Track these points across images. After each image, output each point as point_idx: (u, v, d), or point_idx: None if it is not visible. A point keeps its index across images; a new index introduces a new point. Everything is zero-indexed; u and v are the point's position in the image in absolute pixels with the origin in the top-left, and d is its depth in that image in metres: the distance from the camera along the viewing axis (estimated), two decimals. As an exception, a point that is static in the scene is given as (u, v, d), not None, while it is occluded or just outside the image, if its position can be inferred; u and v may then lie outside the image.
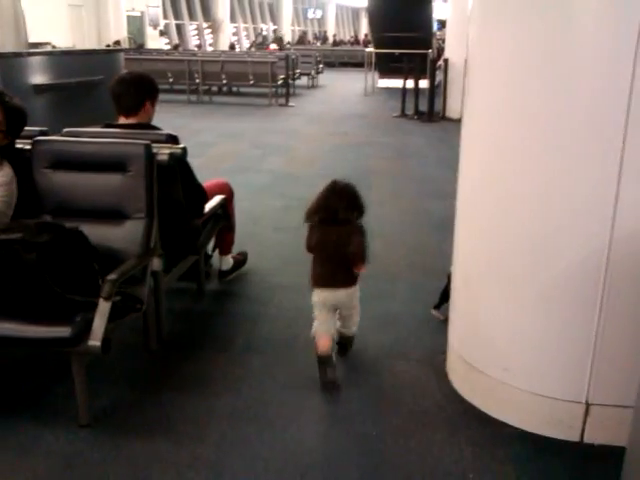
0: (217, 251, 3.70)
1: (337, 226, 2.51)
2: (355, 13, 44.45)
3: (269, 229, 4.74)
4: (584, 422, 2.22)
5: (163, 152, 2.63)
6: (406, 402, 2.47)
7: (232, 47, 23.03)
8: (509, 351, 2.33)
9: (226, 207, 3.49)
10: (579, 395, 2.20)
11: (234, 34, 28.58)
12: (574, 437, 2.24)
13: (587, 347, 2.15)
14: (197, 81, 13.25)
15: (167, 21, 24.54)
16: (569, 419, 2.24)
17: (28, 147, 2.67)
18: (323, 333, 2.56)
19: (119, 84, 2.98)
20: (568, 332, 2.20)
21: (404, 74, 11.44)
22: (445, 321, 2.87)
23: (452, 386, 2.57)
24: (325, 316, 2.58)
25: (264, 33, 30.10)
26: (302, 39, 31.51)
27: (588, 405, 2.20)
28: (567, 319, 2.19)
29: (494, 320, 2.37)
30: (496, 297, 2.35)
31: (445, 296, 3.02)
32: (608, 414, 2.20)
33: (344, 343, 2.79)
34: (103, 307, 2.15)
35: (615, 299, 2.09)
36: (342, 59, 24.26)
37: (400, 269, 3.90)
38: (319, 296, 2.59)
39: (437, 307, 3.20)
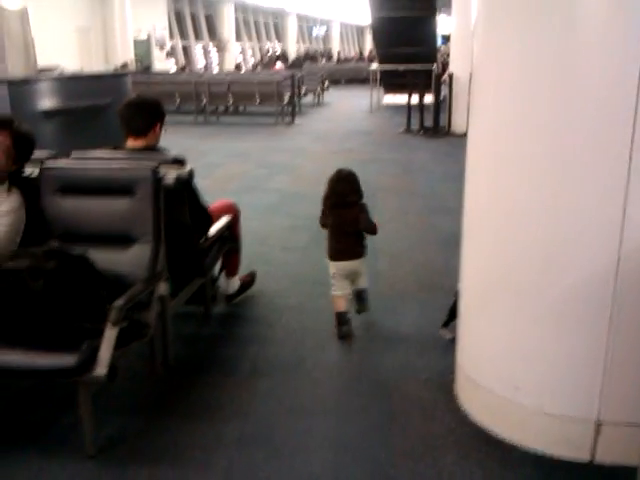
0: (224, 273, 3.70)
1: (347, 209, 3.14)
2: (359, 30, 44.79)
3: (276, 249, 4.74)
4: (595, 441, 2.19)
5: (170, 175, 2.64)
6: (415, 425, 2.45)
7: (238, 67, 23.23)
8: (518, 369, 2.31)
9: (232, 229, 3.50)
10: (590, 413, 2.18)
11: (240, 53, 28.87)
12: (585, 457, 2.21)
13: (597, 364, 2.13)
14: (204, 102, 13.36)
15: (173, 42, 24.83)
16: (580, 438, 2.21)
17: (37, 172, 2.70)
18: (340, 295, 3.21)
19: (129, 107, 3.01)
20: (578, 349, 2.17)
21: (409, 90, 11.48)
22: (453, 340, 2.85)
23: (461, 407, 2.55)
24: (342, 282, 3.20)
25: (274, 51, 30.33)
26: (306, 57, 31.76)
27: (599, 424, 2.17)
28: (577, 336, 2.17)
29: (502, 338, 2.35)
30: (504, 314, 2.34)
31: (453, 314, 2.99)
32: (619, 433, 2.17)
33: (361, 296, 3.33)
34: (110, 334, 2.15)
35: (625, 314, 2.07)
36: (347, 76, 24.41)
37: (407, 287, 3.88)
38: (337, 267, 3.20)
39: (445, 325, 3.18)
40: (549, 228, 2.14)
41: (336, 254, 3.21)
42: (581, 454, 2.21)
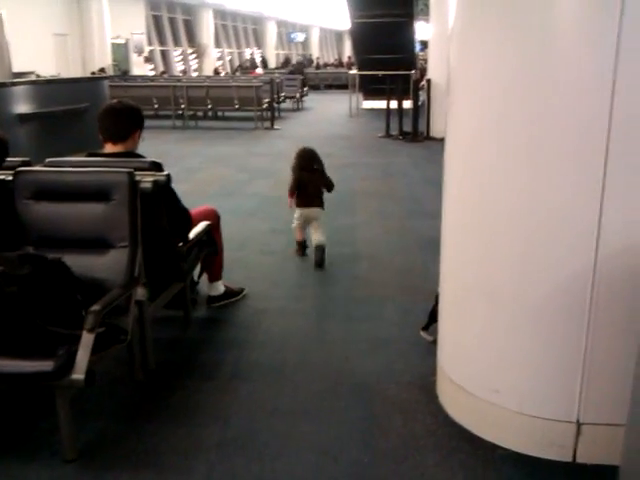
0: (205, 277, 3.68)
1: (312, 173, 4.41)
2: (338, 36, 45.00)
3: (256, 253, 4.72)
4: (576, 442, 2.20)
5: (146, 180, 2.61)
6: (397, 427, 2.44)
7: (217, 72, 23.17)
8: (498, 372, 2.32)
9: (211, 233, 3.48)
10: (570, 414, 2.19)
11: (219, 59, 28.82)
12: (566, 457, 2.22)
13: (576, 366, 2.15)
14: (182, 106, 13.29)
15: (152, 47, 24.69)
16: (561, 439, 2.22)
17: (10, 178, 2.65)
18: (299, 228, 4.51)
19: (109, 113, 2.97)
20: (557, 351, 2.19)
21: (387, 95, 11.56)
22: (434, 342, 2.86)
23: (443, 409, 2.55)
24: (302, 223, 4.49)
25: (255, 57, 30.32)
26: (287, 62, 31.83)
27: (579, 424, 2.19)
28: (555, 338, 2.18)
29: (482, 341, 2.36)
30: (483, 317, 2.34)
31: (433, 317, 3.00)
32: (600, 433, 2.18)
33: (320, 251, 4.32)
34: (86, 339, 2.11)
35: (602, 317, 2.09)
36: (326, 81, 24.50)
37: (388, 291, 3.89)
38: (302, 212, 4.44)
39: (426, 328, 3.19)
40: (526, 232, 2.16)
41: (303, 203, 4.42)
42: (563, 455, 2.22)
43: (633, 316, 2.03)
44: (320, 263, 4.30)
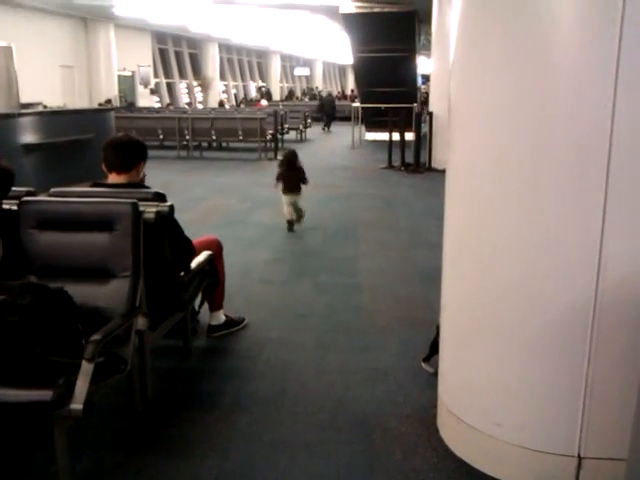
0: (206, 306, 3.68)
1: (293, 170, 6.20)
2: (342, 70, 45.67)
3: (257, 282, 4.73)
4: (577, 476, 2.18)
5: (150, 210, 2.64)
6: (397, 460, 2.42)
7: (221, 104, 23.49)
8: (499, 405, 2.30)
9: (213, 263, 3.49)
10: (571, 449, 2.17)
11: (224, 92, 29.23)
12: (569, 493, 2.19)
13: (577, 399, 2.14)
14: (187, 138, 13.44)
15: (158, 80, 25.07)
16: (562, 474, 2.20)
17: (15, 208, 2.68)
18: (288, 210, 6.24)
19: (114, 144, 3.02)
20: (557, 384, 2.18)
21: (390, 127, 11.69)
22: (435, 374, 2.84)
23: (443, 442, 2.52)
24: (288, 205, 6.23)
25: (263, 89, 30.81)
26: (291, 95, 32.26)
27: (580, 459, 2.16)
28: (556, 371, 2.17)
29: (483, 373, 2.35)
30: (484, 349, 2.34)
31: (435, 348, 2.99)
32: (601, 468, 2.16)
33: (298, 215, 6.33)
34: (86, 369, 2.11)
35: (603, 349, 2.08)
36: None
37: (389, 321, 3.88)
38: (286, 197, 6.22)
39: (427, 359, 3.17)
40: (528, 264, 2.16)
41: (287, 191, 6.21)
42: (564, 489, 2.20)
43: (635, 348, 2.03)
44: (298, 219, 6.36)
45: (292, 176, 6.18)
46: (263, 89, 30.54)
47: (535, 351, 2.20)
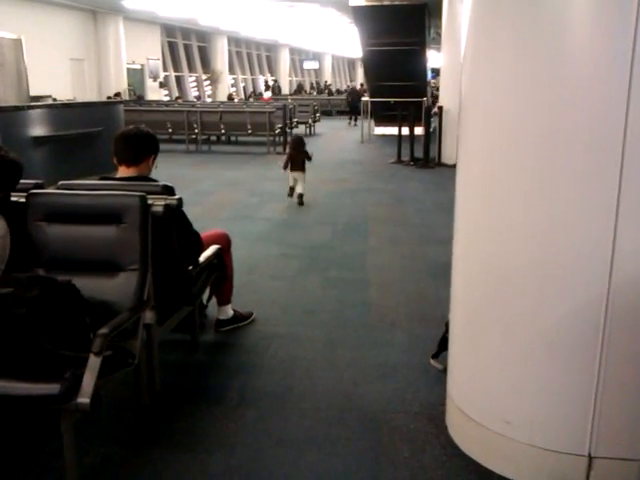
0: (214, 301, 3.67)
1: (299, 151, 7.52)
2: (351, 63, 45.52)
3: (266, 277, 4.71)
4: (587, 476, 2.15)
5: (158, 203, 2.63)
6: (405, 457, 2.40)
7: (230, 98, 23.47)
8: (509, 403, 2.28)
9: (221, 257, 3.48)
10: (581, 448, 2.14)
11: (232, 85, 29.21)
12: (579, 493, 2.17)
13: (588, 398, 2.11)
14: (196, 131, 13.44)
15: (167, 73, 25.08)
16: (572, 473, 2.17)
17: (23, 200, 2.68)
18: (291, 180, 7.54)
19: (125, 137, 3.00)
20: (568, 382, 2.15)
21: (399, 121, 11.63)
22: (444, 371, 2.82)
23: (452, 439, 2.50)
24: (293, 180, 7.50)
25: (269, 82, 30.77)
26: (300, 89, 32.19)
27: (591, 458, 2.14)
28: (567, 370, 2.15)
29: (492, 370, 2.33)
30: (494, 347, 2.31)
31: (444, 345, 2.97)
32: (612, 467, 2.13)
33: (299, 197, 7.40)
34: (93, 362, 2.10)
35: (616, 346, 2.05)
36: (339, 108, 24.68)
37: (398, 317, 3.86)
38: (292, 174, 7.46)
39: (436, 356, 3.15)
40: (539, 260, 2.13)
41: (293, 169, 7.43)
42: (574, 489, 2.17)
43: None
44: (300, 203, 7.42)
45: (298, 157, 7.52)
46: (269, 82, 30.51)
47: (545, 348, 2.17)
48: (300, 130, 16.75)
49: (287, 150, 8.12)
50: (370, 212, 7.21)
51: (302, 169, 7.44)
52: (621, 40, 1.87)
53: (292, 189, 7.51)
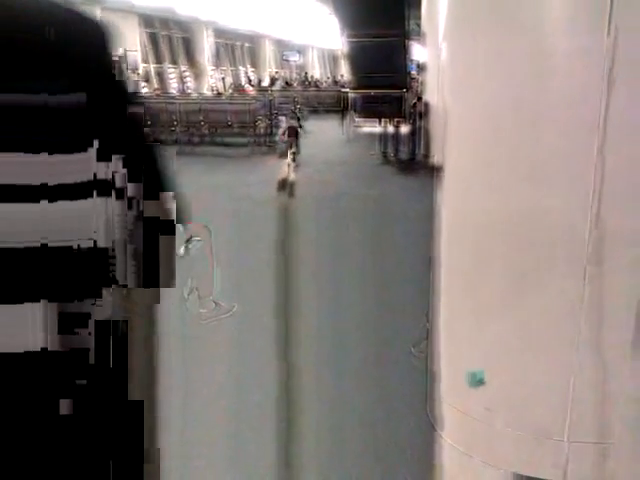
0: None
1: (296, 133, 11.26)
2: (331, 56, 45.33)
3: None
4: (567, 460, 2.19)
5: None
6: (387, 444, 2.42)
7: (212, 90, 23.25)
8: (488, 389, 2.31)
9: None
10: (560, 433, 2.18)
11: (211, 77, 28.91)
12: (557, 476, 2.20)
13: (566, 384, 2.14)
14: (175, 123, 13.22)
15: (145, 65, 24.72)
16: (551, 457, 2.21)
17: None
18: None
19: None
20: (546, 369, 2.18)
21: (381, 116, 11.62)
22: (425, 359, 2.85)
23: (434, 427, 2.53)
24: (288, 155, 10.65)
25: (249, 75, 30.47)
26: (272, 82, 31.84)
27: (570, 443, 2.17)
28: (545, 356, 2.18)
29: (472, 358, 2.35)
30: (472, 334, 2.34)
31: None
32: (589, 451, 2.17)
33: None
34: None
35: (592, 333, 2.09)
36: (323, 101, 24.19)
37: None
38: (288, 139, 11.02)
39: (417, 345, 3.18)
40: (518, 251, 2.16)
41: (289, 137, 10.83)
42: (553, 474, 2.21)
43: (621, 334, 2.04)
44: (293, 156, 10.35)
45: (292, 132, 10.85)
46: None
47: (523, 336, 2.20)
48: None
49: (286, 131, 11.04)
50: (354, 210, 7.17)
51: (297, 137, 10.82)
52: (598, 31, 1.89)
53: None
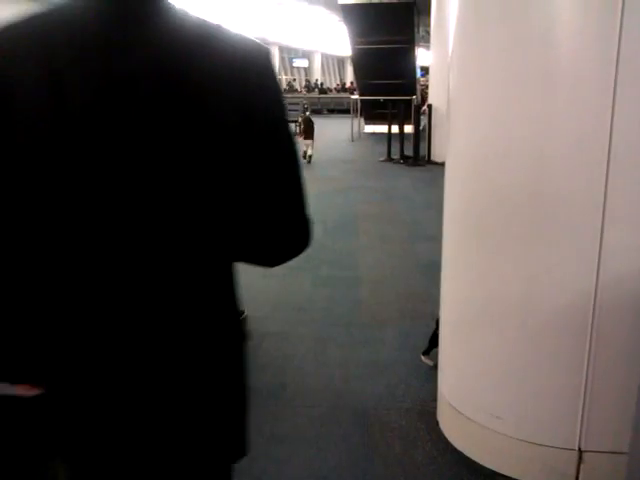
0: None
1: (309, 126, 11.13)
2: (341, 61, 45.47)
3: (257, 276, 4.70)
4: (578, 470, 2.17)
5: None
6: (396, 454, 2.41)
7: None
8: (499, 398, 2.29)
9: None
10: (571, 442, 2.16)
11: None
12: (569, 486, 2.19)
13: (577, 393, 2.13)
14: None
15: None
16: (562, 467, 2.19)
17: None
18: (305, 147, 10.96)
19: None
20: (558, 378, 2.17)
21: (389, 120, 11.64)
22: (435, 367, 2.84)
23: (443, 435, 2.52)
24: (305, 145, 10.92)
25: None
26: (290, 87, 32.06)
27: (581, 452, 2.16)
28: (556, 365, 2.16)
29: (482, 366, 2.34)
30: (484, 343, 2.33)
31: (434, 341, 2.98)
32: (602, 461, 2.15)
33: (309, 157, 11.06)
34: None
35: (604, 342, 2.07)
36: (329, 106, 24.63)
37: (389, 315, 3.87)
38: (304, 141, 10.93)
39: (426, 353, 3.16)
40: (527, 258, 2.15)
41: (304, 136, 10.90)
42: (564, 483, 2.19)
43: (635, 342, 2.02)
44: (309, 161, 10.82)
45: (307, 130, 10.94)
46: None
47: (535, 345, 2.18)
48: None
49: (301, 123, 11.19)
50: (360, 210, 7.22)
51: (311, 137, 11.00)
52: (607, 39, 1.88)
53: (305, 152, 10.76)
